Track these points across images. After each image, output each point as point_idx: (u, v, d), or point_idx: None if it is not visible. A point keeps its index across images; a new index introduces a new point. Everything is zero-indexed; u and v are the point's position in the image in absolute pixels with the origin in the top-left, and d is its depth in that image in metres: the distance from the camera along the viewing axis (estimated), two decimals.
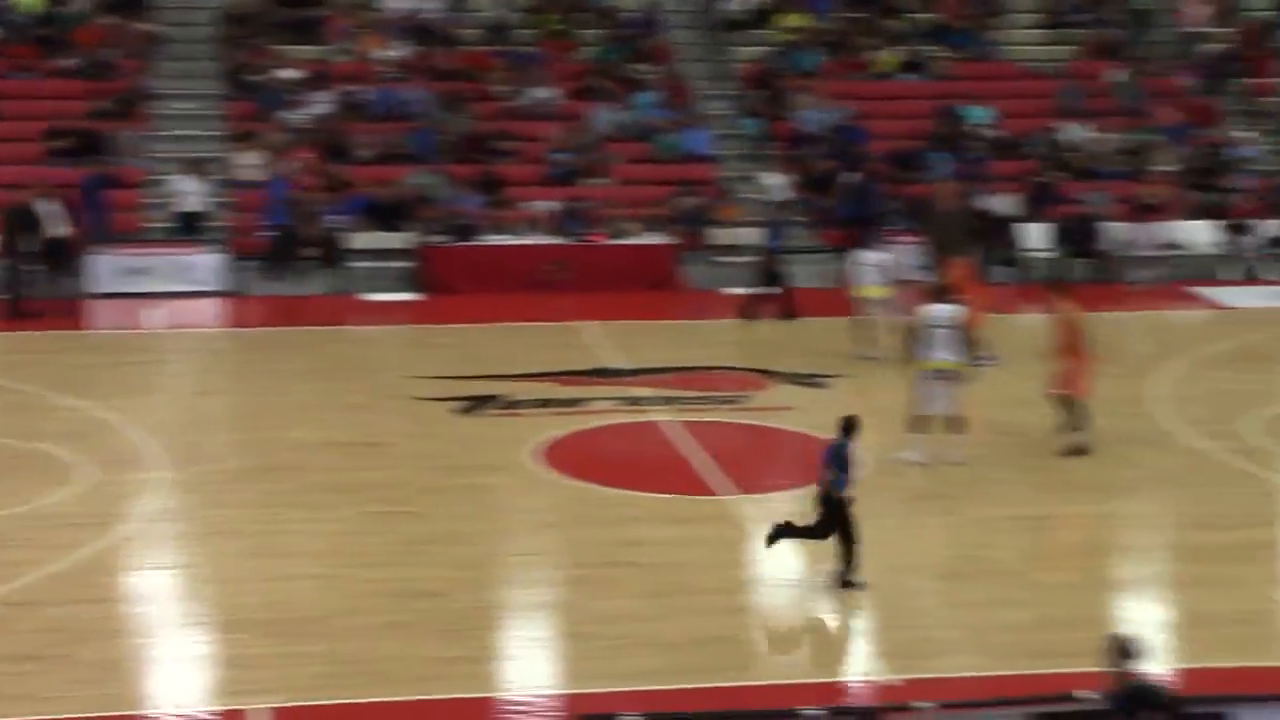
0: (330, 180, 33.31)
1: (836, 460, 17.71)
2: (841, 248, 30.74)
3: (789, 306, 29.52)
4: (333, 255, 32.25)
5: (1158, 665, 15.15)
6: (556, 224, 32.81)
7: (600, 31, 37.95)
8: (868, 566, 18.93)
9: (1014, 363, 23.56)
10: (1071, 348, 22.05)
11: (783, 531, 18.07)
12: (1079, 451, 21.86)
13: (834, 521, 17.74)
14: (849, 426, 18.00)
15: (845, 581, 17.74)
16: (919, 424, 21.63)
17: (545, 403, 24.42)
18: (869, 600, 18.06)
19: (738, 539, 19.55)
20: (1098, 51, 38.59)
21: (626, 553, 18.91)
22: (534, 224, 32.86)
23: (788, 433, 23.47)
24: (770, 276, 29.74)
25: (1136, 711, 12.34)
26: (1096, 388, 22.57)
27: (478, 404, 24.35)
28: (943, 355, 21.57)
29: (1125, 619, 17.58)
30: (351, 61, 36.47)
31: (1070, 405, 22.07)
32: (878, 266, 26.90)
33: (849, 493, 17.75)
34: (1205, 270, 33.48)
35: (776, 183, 33.86)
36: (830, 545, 18.19)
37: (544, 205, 33.17)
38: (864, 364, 26.35)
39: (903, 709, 13.91)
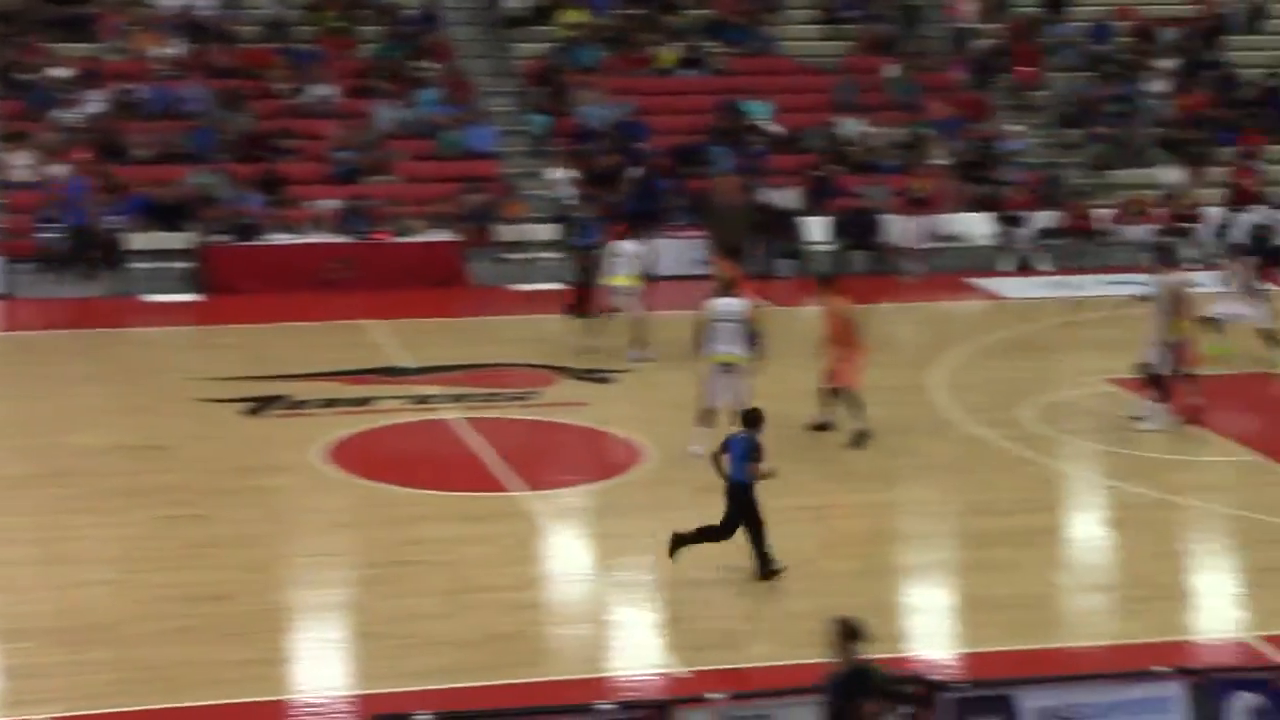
0: (107, 180, 32.78)
1: (749, 453, 17.81)
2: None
3: (587, 303, 29.60)
4: (112, 257, 31.75)
5: (877, 649, 15.61)
6: (340, 222, 32.61)
7: (380, 28, 37.74)
8: (659, 560, 19.13)
9: (798, 355, 23.84)
10: (843, 341, 22.43)
11: (682, 540, 18.03)
12: (861, 442, 22.21)
13: (741, 515, 17.84)
14: (753, 419, 18.11)
15: (769, 572, 17.89)
16: (706, 417, 21.87)
17: (332, 402, 24.29)
18: (658, 593, 18.24)
19: (528, 535, 19.64)
20: (872, 47, 39.19)
21: (416, 551, 18.91)
22: (317, 222, 32.62)
23: (576, 428, 23.58)
24: (584, 273, 29.75)
25: (855, 694, 12.60)
26: (876, 378, 23.00)
27: (264, 405, 24.15)
28: (727, 349, 21.82)
29: (910, 605, 17.97)
30: (125, 59, 35.90)
31: (846, 397, 22.43)
32: (632, 258, 27.04)
33: (752, 483, 17.88)
34: (981, 261, 34.18)
35: (561, 179, 33.95)
36: (631, 542, 18.42)
37: (327, 204, 32.95)
38: (590, 355, 26.57)
39: (695, 701, 14.05)
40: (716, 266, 26.43)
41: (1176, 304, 23.27)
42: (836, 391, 22.51)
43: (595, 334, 27.01)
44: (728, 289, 22.55)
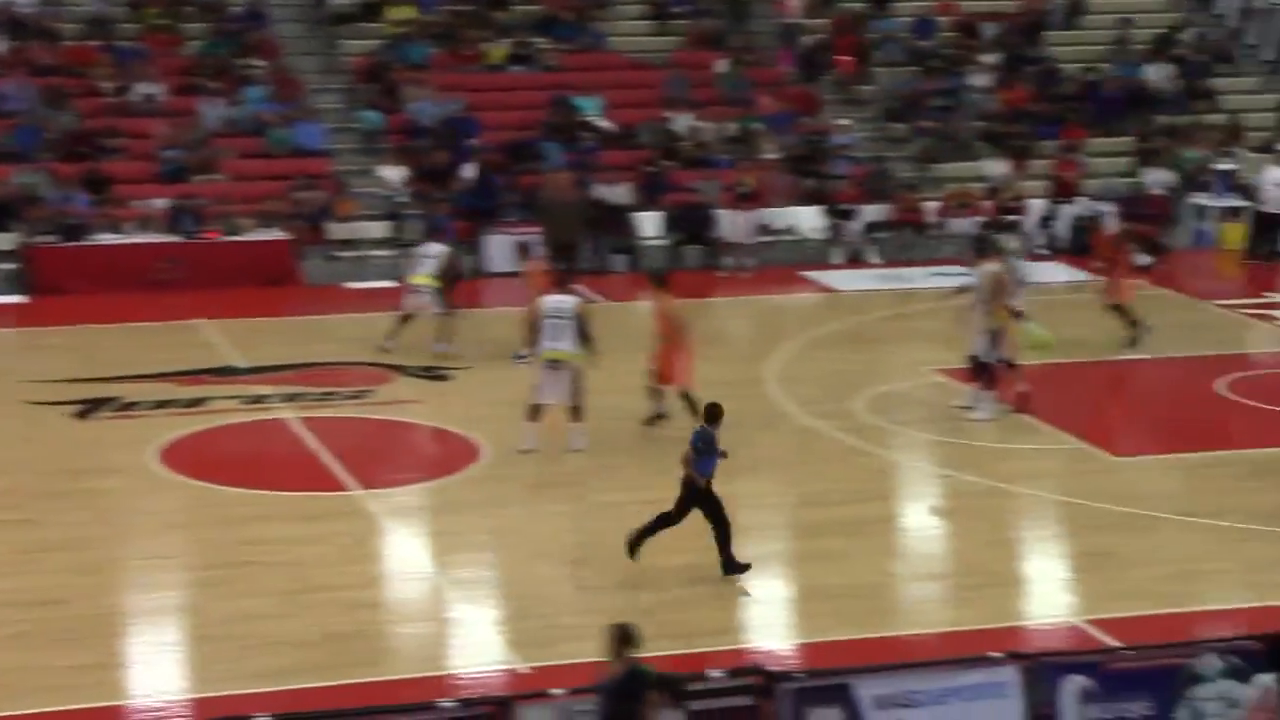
0: None
1: (701, 446, 17.94)
2: (464, 239, 30.95)
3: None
4: None
5: (718, 641, 16.25)
6: (168, 222, 32.20)
7: (205, 25, 37.33)
8: (497, 557, 19.21)
9: (631, 350, 23.90)
10: (669, 339, 22.48)
11: (641, 535, 18.15)
12: None
13: (694, 507, 18.00)
14: (712, 414, 18.24)
15: (732, 566, 18.02)
16: (533, 413, 21.93)
17: (164, 403, 23.99)
18: (499, 590, 18.30)
19: (366, 534, 19.57)
20: (700, 42, 39.38)
21: (253, 552, 18.81)
22: (145, 222, 32.18)
23: (412, 426, 23.52)
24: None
25: (630, 696, 12.70)
26: (710, 372, 23.15)
27: (94, 407, 23.83)
28: (556, 345, 21.88)
29: (748, 596, 18.13)
30: None
31: (682, 398, 22.45)
32: (435, 258, 26.98)
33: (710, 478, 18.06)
34: (812, 254, 34.44)
35: (392, 176, 33.76)
36: (469, 536, 18.35)
37: (155, 203, 32.52)
38: (386, 353, 26.46)
39: (536, 697, 14.09)
40: (528, 265, 26.71)
41: (995, 293, 23.69)
42: (663, 390, 22.53)
43: (397, 331, 26.90)
44: (561, 285, 22.62)
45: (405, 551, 19.37)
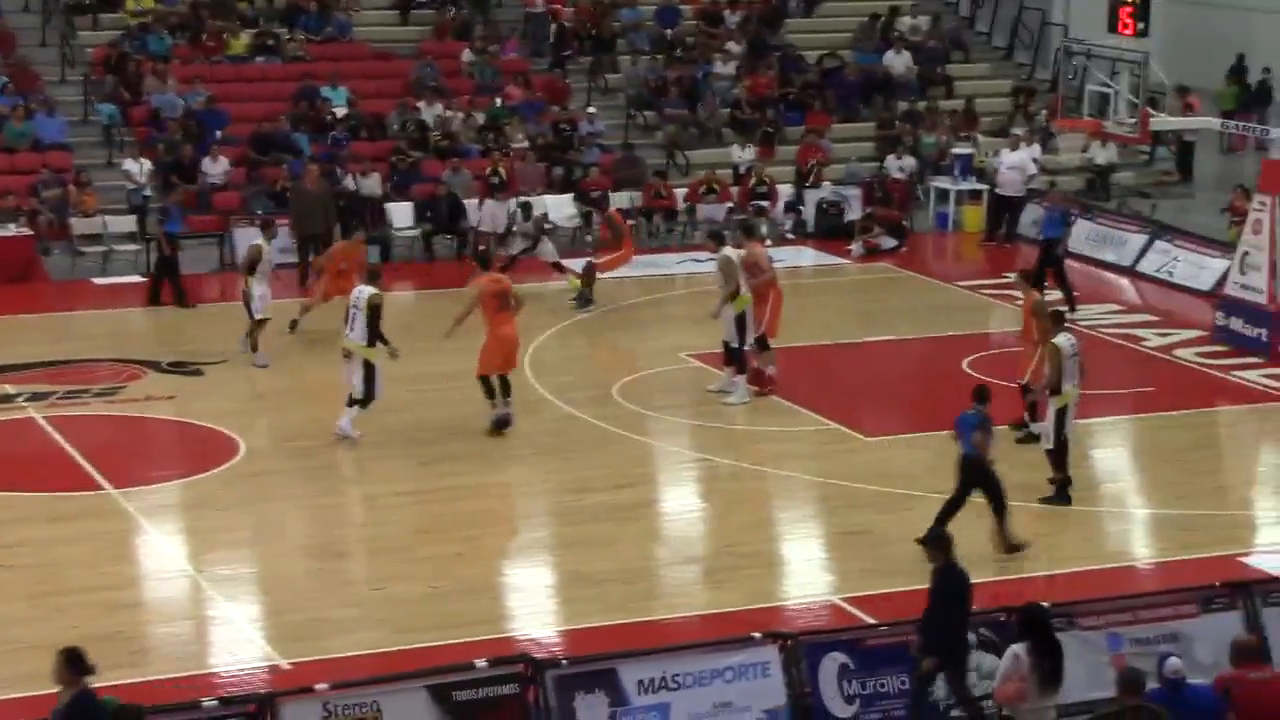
0: None
1: (980, 427, 18.41)
2: (213, 232, 30.57)
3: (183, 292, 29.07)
4: None
5: (486, 630, 16.29)
6: None
7: None
8: (256, 552, 19.04)
9: (394, 340, 23.68)
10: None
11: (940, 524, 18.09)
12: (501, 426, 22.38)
13: (975, 486, 18.48)
14: (982, 395, 18.77)
15: (1012, 547, 18.58)
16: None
17: None
18: (259, 586, 18.14)
19: (122, 533, 19.26)
20: (447, 32, 39.30)
21: (2, 555, 18.40)
22: None
23: (166, 422, 23.12)
24: (167, 262, 29.08)
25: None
26: (468, 362, 23.07)
27: None
28: (349, 335, 21.89)
29: (512, 585, 18.22)
30: None
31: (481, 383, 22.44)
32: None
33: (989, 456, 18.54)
34: (565, 243, 34.45)
35: (136, 169, 33.13)
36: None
37: None
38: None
39: (300, 693, 14.02)
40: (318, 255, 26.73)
41: (734, 278, 23.96)
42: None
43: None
44: (372, 277, 22.56)
45: (163, 550, 19.06)
